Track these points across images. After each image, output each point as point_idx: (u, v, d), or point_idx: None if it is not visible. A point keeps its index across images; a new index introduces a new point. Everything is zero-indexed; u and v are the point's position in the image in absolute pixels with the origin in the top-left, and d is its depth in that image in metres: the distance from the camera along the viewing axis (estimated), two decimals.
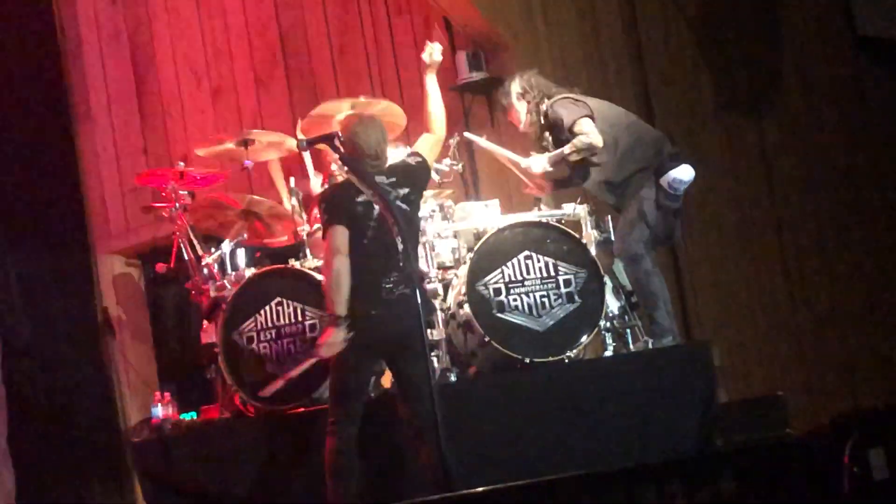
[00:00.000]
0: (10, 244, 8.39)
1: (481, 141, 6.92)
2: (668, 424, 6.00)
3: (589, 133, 6.46)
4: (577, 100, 6.61)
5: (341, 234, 5.53)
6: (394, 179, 5.64)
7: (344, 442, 5.47)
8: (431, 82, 6.03)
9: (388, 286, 5.51)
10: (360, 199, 5.56)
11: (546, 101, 6.64)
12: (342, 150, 5.45)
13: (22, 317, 8.35)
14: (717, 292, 8.30)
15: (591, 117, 6.51)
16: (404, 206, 5.60)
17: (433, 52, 6.03)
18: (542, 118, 6.63)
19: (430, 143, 5.91)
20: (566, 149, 6.50)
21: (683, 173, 6.52)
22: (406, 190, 5.65)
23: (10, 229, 8.44)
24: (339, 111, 6.56)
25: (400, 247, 5.45)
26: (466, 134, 6.94)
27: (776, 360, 8.28)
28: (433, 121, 5.96)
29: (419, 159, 5.82)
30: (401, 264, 5.49)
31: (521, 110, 6.71)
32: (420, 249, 6.23)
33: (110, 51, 9.05)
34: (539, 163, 6.63)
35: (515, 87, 6.71)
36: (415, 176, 5.73)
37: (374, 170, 5.61)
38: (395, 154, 6.57)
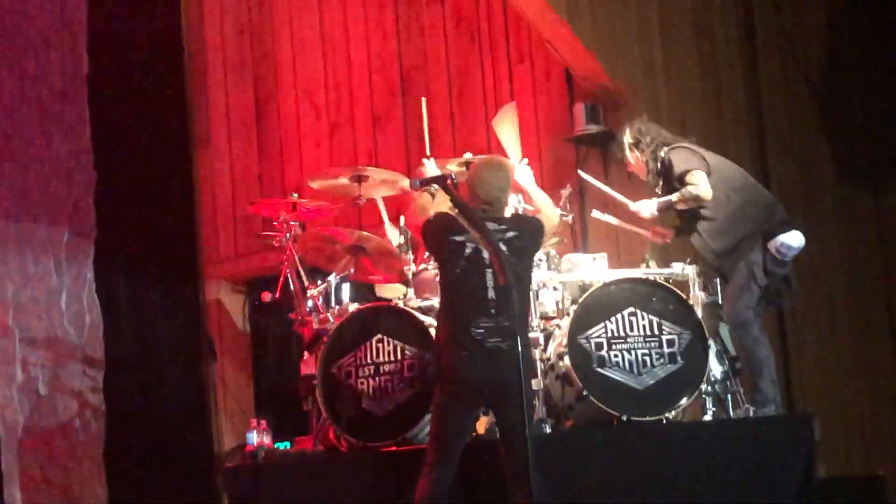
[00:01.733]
0: (122, 264, 8.55)
1: (592, 180, 6.91)
2: (764, 495, 5.88)
3: (699, 185, 6.42)
4: (694, 151, 6.57)
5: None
6: (504, 226, 5.64)
7: (437, 486, 5.45)
8: (528, 186, 6.10)
9: (478, 332, 5.46)
10: (456, 237, 5.57)
11: (664, 148, 6.61)
12: (454, 191, 5.46)
13: (128, 336, 8.49)
14: (822, 363, 8.15)
15: (707, 171, 6.47)
16: (504, 247, 5.54)
17: (524, 170, 6.20)
18: (658, 164, 6.61)
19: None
20: (674, 196, 6.49)
21: (793, 239, 6.44)
22: (514, 234, 5.60)
23: (124, 249, 8.60)
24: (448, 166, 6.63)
25: (491, 294, 5.44)
26: (580, 172, 6.93)
27: (879, 438, 8.10)
28: (541, 210, 5.97)
29: (536, 216, 5.82)
30: (492, 311, 5.46)
31: (637, 159, 6.70)
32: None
33: (234, 79, 9.23)
34: (647, 207, 6.61)
35: (627, 137, 6.71)
36: (527, 224, 5.69)
37: (486, 214, 5.61)
38: (509, 201, 6.59)
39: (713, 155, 6.65)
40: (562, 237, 6.81)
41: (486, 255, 5.49)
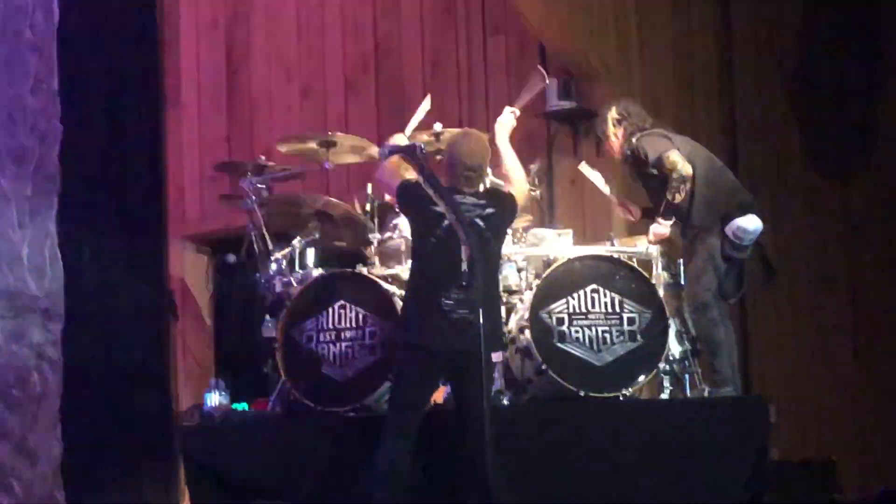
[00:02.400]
0: (86, 219, 8.49)
1: (597, 179, 6.87)
2: (716, 475, 5.92)
3: (677, 163, 6.40)
4: (664, 136, 6.57)
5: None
6: (483, 201, 5.63)
7: (394, 453, 5.47)
8: (504, 144, 6.03)
9: (448, 303, 5.48)
10: (437, 207, 5.54)
11: (637, 135, 6.61)
12: (423, 161, 5.45)
13: (90, 292, 8.44)
14: (781, 351, 8.21)
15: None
16: (481, 223, 5.58)
17: (509, 117, 6.08)
18: (630, 151, 6.61)
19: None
20: (668, 196, 6.41)
21: (749, 223, 6.44)
22: (491, 210, 5.62)
23: (88, 205, 8.54)
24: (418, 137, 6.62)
25: (465, 266, 5.45)
26: (582, 166, 6.89)
27: (833, 425, 8.17)
28: (513, 182, 5.94)
29: (510, 193, 5.83)
30: (464, 283, 5.47)
31: (616, 137, 6.69)
32: None
33: (206, 40, 9.18)
34: (661, 231, 6.52)
35: (612, 113, 6.68)
36: (503, 201, 5.69)
37: (466, 181, 5.62)
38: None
39: (682, 138, 6.65)
40: (530, 214, 6.82)
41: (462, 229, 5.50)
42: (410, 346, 5.57)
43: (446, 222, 5.51)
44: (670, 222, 6.49)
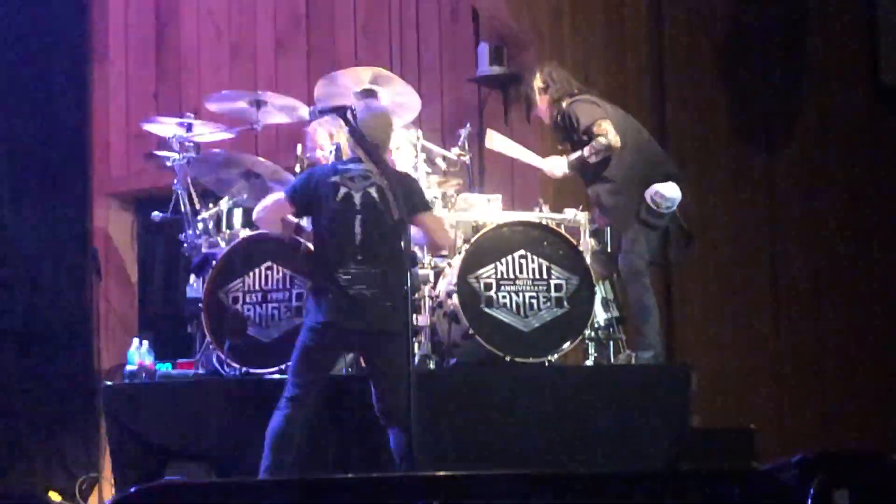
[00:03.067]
0: (9, 175, 8.38)
1: (502, 141, 6.88)
2: (637, 440, 6.01)
3: (608, 133, 6.45)
4: (596, 103, 6.60)
5: (283, 205, 5.68)
6: (377, 171, 5.61)
7: (290, 422, 5.46)
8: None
9: (344, 278, 5.46)
10: (331, 179, 5.57)
11: (567, 99, 6.63)
12: (353, 123, 5.44)
13: (12, 249, 8.34)
14: (704, 320, 8.29)
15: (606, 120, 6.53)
16: (375, 195, 5.56)
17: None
18: (559, 116, 6.63)
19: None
20: (585, 151, 6.50)
21: (667, 190, 6.50)
22: (385, 183, 5.57)
23: (12, 159, 8.42)
24: (359, 80, 6.56)
25: (358, 240, 5.45)
26: (489, 136, 6.88)
27: (753, 395, 8.28)
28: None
29: (411, 179, 5.81)
30: (359, 258, 5.47)
31: (544, 103, 6.71)
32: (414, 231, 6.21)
33: None
34: (559, 166, 6.63)
35: (538, 81, 6.71)
36: (399, 178, 5.64)
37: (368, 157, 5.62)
38: (407, 135, 6.58)
39: (613, 108, 6.69)
40: (458, 177, 6.82)
41: (357, 200, 5.51)
42: (311, 320, 5.57)
43: (341, 194, 5.50)
44: (566, 166, 6.57)
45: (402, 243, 5.17)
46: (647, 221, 6.50)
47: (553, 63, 6.82)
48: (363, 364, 5.83)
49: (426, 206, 5.73)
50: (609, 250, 6.65)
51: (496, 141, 6.88)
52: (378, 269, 5.45)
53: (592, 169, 6.58)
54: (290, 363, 5.62)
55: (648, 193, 6.47)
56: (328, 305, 5.47)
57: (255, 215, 5.83)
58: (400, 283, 5.43)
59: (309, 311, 5.63)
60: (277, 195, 5.79)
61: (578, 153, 6.55)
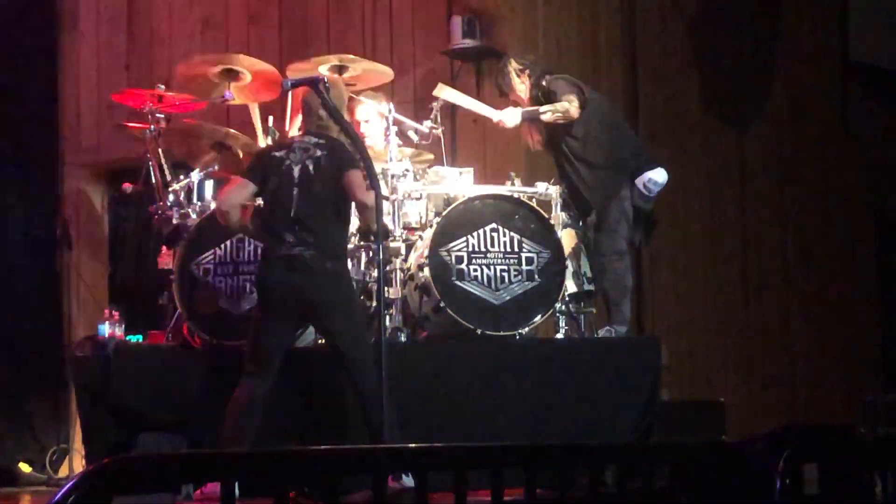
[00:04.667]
0: None
1: (452, 97, 6.90)
2: (608, 413, 6.04)
3: (571, 102, 6.56)
4: (576, 84, 6.68)
5: (244, 186, 5.67)
6: (322, 142, 5.63)
7: (247, 397, 5.49)
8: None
9: (283, 245, 5.51)
10: (277, 153, 5.64)
11: (547, 76, 6.70)
12: (325, 94, 5.42)
13: None
14: (674, 295, 8.34)
15: (582, 103, 6.58)
16: (311, 166, 5.59)
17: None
18: (540, 93, 6.69)
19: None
20: (542, 108, 6.59)
21: (658, 175, 6.70)
22: (322, 153, 5.62)
23: None
24: (325, 63, 6.56)
25: (294, 212, 5.48)
26: (440, 87, 6.87)
27: (722, 369, 8.35)
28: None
29: (351, 145, 5.78)
30: (296, 228, 5.50)
31: (521, 88, 6.76)
32: (388, 206, 6.23)
33: None
34: (513, 116, 6.68)
35: (513, 64, 6.77)
36: (337, 147, 5.65)
37: (318, 128, 5.68)
38: (377, 108, 6.56)
39: (592, 91, 6.76)
40: (430, 150, 6.82)
41: (296, 173, 5.57)
42: (258, 288, 5.67)
43: (283, 166, 5.56)
44: (519, 116, 6.65)
45: (376, 216, 5.16)
46: (639, 206, 6.68)
47: (522, 48, 6.87)
48: (321, 335, 5.85)
49: (353, 165, 5.70)
50: (580, 224, 6.68)
51: (446, 92, 6.89)
52: (314, 239, 5.49)
53: (566, 153, 6.63)
54: (249, 334, 5.63)
55: (641, 180, 6.66)
56: (272, 267, 5.54)
57: (218, 205, 5.82)
58: (337, 249, 5.59)
59: (257, 278, 5.71)
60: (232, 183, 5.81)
61: (534, 108, 6.63)
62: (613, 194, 6.64)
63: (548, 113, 6.62)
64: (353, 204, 5.67)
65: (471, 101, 6.91)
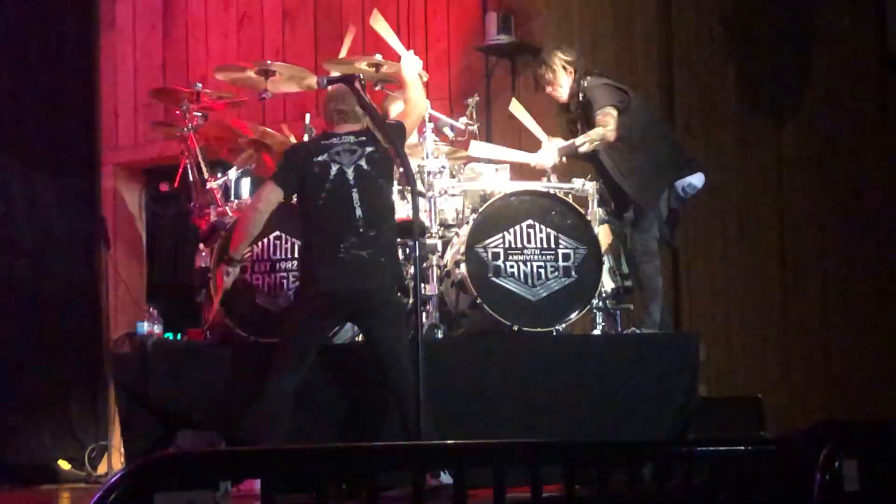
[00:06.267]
0: (17, 145, 8.38)
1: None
2: (646, 410, 6.02)
3: (608, 125, 6.50)
4: (618, 87, 6.63)
5: (273, 192, 5.63)
6: (364, 138, 5.63)
7: (278, 391, 5.51)
8: (409, 68, 6.01)
9: (344, 247, 5.50)
10: (318, 158, 5.58)
11: (588, 78, 6.65)
12: (362, 92, 5.43)
13: (21, 219, 8.35)
14: (712, 290, 8.30)
15: (623, 109, 6.54)
16: (365, 164, 5.59)
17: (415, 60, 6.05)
18: (580, 94, 6.65)
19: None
20: (578, 140, 6.55)
21: (698, 180, 6.73)
22: (372, 147, 5.62)
23: (19, 130, 8.43)
24: (360, 60, 6.57)
25: (359, 212, 5.48)
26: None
27: (761, 365, 8.30)
28: (408, 102, 5.93)
29: (393, 122, 5.81)
30: (360, 230, 5.50)
31: (565, 83, 6.71)
32: (423, 203, 6.23)
33: None
34: (550, 156, 6.61)
35: (561, 56, 6.69)
36: (384, 131, 5.58)
37: (339, 119, 5.67)
38: (400, 104, 6.56)
39: (632, 93, 6.73)
40: (466, 147, 6.81)
41: (350, 174, 5.55)
42: (308, 289, 5.61)
43: (333, 171, 5.53)
44: (556, 156, 6.58)
45: (413, 213, 5.16)
46: (673, 206, 6.69)
47: (566, 43, 6.83)
48: (363, 334, 5.84)
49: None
50: (617, 220, 6.67)
51: (518, 112, 6.86)
52: (374, 233, 5.48)
53: (613, 147, 6.61)
54: (285, 331, 5.63)
55: (681, 183, 6.66)
56: (326, 275, 5.51)
57: (253, 203, 5.79)
58: (393, 244, 5.63)
59: (305, 279, 5.66)
60: (260, 194, 5.77)
61: (570, 142, 6.58)
62: (656, 195, 6.62)
63: (585, 145, 6.53)
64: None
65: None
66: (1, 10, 8.20)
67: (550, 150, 6.64)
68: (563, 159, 6.68)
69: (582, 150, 6.58)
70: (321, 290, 5.53)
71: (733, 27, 8.46)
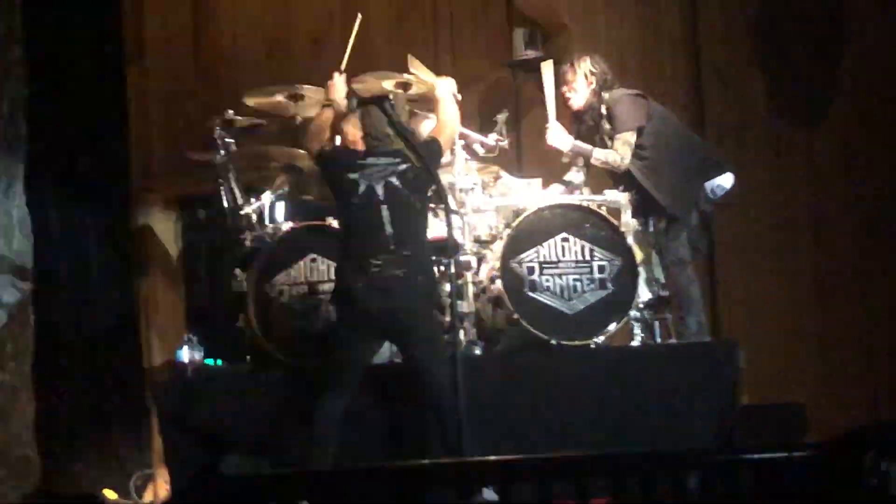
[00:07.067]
0: (51, 178, 8.45)
1: (550, 76, 6.82)
2: (688, 419, 6.01)
3: (623, 156, 6.52)
4: (639, 102, 6.63)
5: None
6: (398, 159, 5.65)
7: (328, 411, 5.56)
8: (444, 94, 6.06)
9: (376, 265, 5.52)
10: (350, 175, 5.62)
11: (609, 91, 6.65)
12: (392, 112, 5.47)
13: (59, 250, 8.42)
14: (748, 297, 8.27)
15: (642, 127, 6.55)
16: (397, 181, 5.60)
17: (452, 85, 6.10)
18: (598, 104, 6.64)
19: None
20: (596, 153, 6.56)
21: (727, 181, 6.70)
22: (406, 165, 5.64)
23: (54, 163, 8.49)
24: (389, 80, 6.61)
25: (388, 229, 5.49)
26: (544, 64, 6.81)
27: (801, 371, 8.25)
28: (440, 122, 5.97)
29: (428, 139, 5.84)
30: (391, 247, 5.51)
31: (581, 90, 6.71)
32: (456, 220, 6.25)
33: None
34: (562, 140, 6.64)
35: (587, 65, 6.69)
36: (418, 150, 5.65)
37: (378, 146, 5.70)
38: (432, 123, 6.58)
39: (659, 108, 6.72)
40: (496, 163, 6.83)
41: (380, 191, 5.57)
42: (344, 309, 5.65)
43: (362, 188, 5.55)
44: (569, 146, 6.63)
45: (447, 231, 5.18)
46: (705, 210, 6.66)
47: (597, 54, 6.82)
48: (399, 351, 5.86)
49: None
50: (651, 230, 6.66)
51: (547, 71, 6.85)
52: (408, 252, 5.51)
53: (641, 156, 6.60)
54: (327, 353, 5.66)
55: (710, 185, 6.64)
56: (359, 294, 5.53)
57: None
58: (428, 263, 5.64)
59: (341, 301, 5.69)
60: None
61: (587, 148, 6.57)
62: (689, 201, 6.59)
63: (598, 161, 6.58)
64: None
65: (552, 94, 6.83)
66: (35, 51, 8.28)
67: (565, 138, 6.64)
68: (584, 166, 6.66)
69: (593, 160, 6.61)
70: (356, 309, 5.55)
71: (761, 30, 8.44)
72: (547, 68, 6.81)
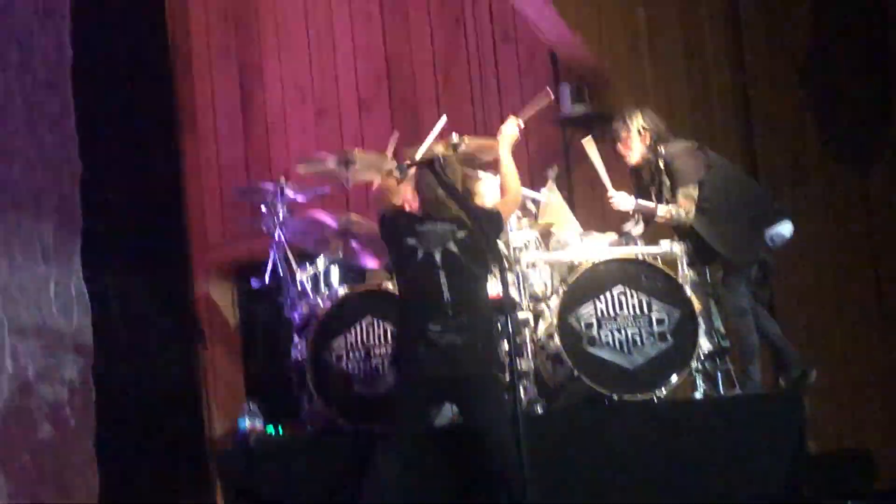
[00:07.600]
0: (110, 251, 8.54)
1: (594, 151, 6.84)
2: (755, 472, 5.92)
3: (689, 210, 6.49)
4: (697, 154, 6.61)
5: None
6: (455, 226, 5.65)
7: (390, 476, 5.53)
8: (504, 152, 6.08)
9: (435, 330, 5.52)
10: (408, 241, 5.63)
11: (665, 144, 6.64)
12: (443, 174, 5.48)
13: (118, 324, 8.49)
14: (810, 341, 8.16)
15: (705, 170, 6.54)
16: (455, 248, 5.61)
17: (512, 127, 6.14)
18: (659, 161, 6.62)
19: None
20: (660, 210, 6.53)
21: (786, 229, 6.63)
22: (463, 233, 5.64)
23: (111, 237, 8.59)
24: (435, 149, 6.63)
25: (447, 295, 5.49)
26: (585, 141, 6.84)
27: (864, 413, 8.13)
28: (504, 190, 6.01)
29: (490, 210, 5.84)
30: (449, 312, 5.50)
31: (636, 147, 6.69)
32: (511, 277, 6.24)
33: (219, 65, 9.21)
34: (626, 202, 6.62)
35: (639, 121, 6.67)
36: (479, 220, 5.63)
37: (435, 211, 5.70)
38: (495, 181, 6.58)
39: (719, 160, 6.72)
40: (550, 221, 6.81)
41: (438, 257, 5.57)
42: (404, 377, 5.66)
43: (420, 255, 5.57)
44: (632, 206, 6.59)
45: (502, 289, 5.16)
46: (765, 259, 6.61)
47: (647, 108, 6.82)
48: (461, 415, 5.84)
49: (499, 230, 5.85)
50: (708, 280, 6.61)
51: (591, 147, 6.84)
52: (468, 318, 5.50)
53: (700, 206, 6.58)
54: (389, 418, 5.68)
55: (769, 234, 6.59)
56: (420, 359, 5.53)
57: None
58: (488, 328, 5.59)
59: (401, 366, 5.71)
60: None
61: (653, 205, 6.54)
62: (751, 251, 6.56)
63: (663, 218, 6.55)
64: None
65: (601, 167, 6.84)
66: (88, 124, 8.40)
67: (628, 199, 6.62)
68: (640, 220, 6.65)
69: (657, 217, 6.58)
70: (416, 374, 5.55)
71: (810, 76, 8.40)
72: (589, 146, 6.82)
